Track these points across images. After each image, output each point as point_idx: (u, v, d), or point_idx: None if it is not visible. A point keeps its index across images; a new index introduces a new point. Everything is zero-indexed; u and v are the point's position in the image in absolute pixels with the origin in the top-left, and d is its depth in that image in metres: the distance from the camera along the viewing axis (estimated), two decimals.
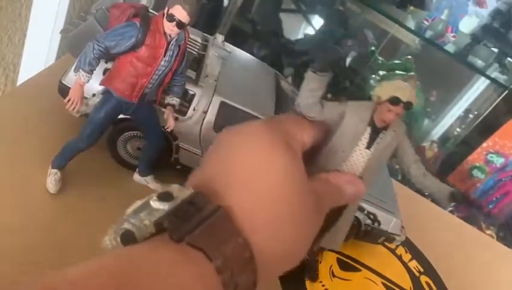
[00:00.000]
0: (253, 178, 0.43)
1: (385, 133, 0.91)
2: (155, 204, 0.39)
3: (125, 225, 0.39)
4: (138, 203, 0.41)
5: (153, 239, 0.38)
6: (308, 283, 1.30)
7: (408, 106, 0.84)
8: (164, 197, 0.40)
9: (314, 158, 0.79)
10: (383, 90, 0.86)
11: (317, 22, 2.63)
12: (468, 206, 2.30)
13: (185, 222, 0.37)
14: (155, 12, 1.16)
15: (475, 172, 2.35)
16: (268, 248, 0.41)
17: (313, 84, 0.89)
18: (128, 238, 0.38)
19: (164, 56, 1.01)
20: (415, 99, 0.88)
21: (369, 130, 0.88)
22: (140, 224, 0.38)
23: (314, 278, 1.31)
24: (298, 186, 0.46)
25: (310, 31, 2.62)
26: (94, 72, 0.99)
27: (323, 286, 1.32)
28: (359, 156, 0.91)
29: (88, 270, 0.34)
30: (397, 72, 2.35)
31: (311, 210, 0.47)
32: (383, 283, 1.38)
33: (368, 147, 0.92)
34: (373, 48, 2.49)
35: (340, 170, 0.95)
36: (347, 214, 1.02)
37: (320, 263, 1.34)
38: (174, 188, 0.41)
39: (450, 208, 1.01)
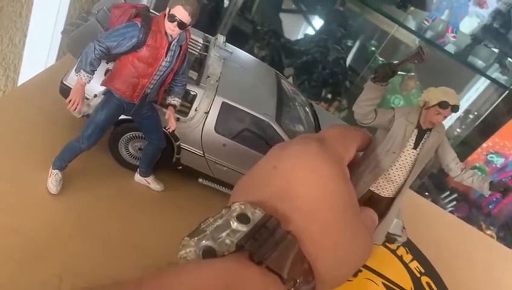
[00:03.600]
0: (316, 207, 0.48)
1: (429, 134, 1.00)
2: (235, 225, 0.45)
3: (208, 242, 0.44)
4: (218, 221, 0.46)
5: (235, 256, 0.42)
6: None
7: (455, 108, 0.94)
8: (242, 219, 0.45)
9: (355, 163, 0.87)
10: (431, 95, 0.97)
11: (317, 22, 2.63)
12: (469, 206, 2.31)
13: (262, 246, 0.42)
14: (156, 13, 1.16)
15: None
16: (326, 273, 0.46)
17: (372, 94, 0.98)
18: (209, 254, 0.43)
19: (165, 56, 1.01)
20: (459, 102, 0.96)
21: (416, 131, 0.99)
22: (221, 243, 0.44)
23: (356, 273, 1.35)
24: (354, 216, 0.51)
25: (310, 31, 2.62)
26: (95, 72, 0.99)
27: None
28: (407, 157, 1.01)
29: (191, 280, 0.39)
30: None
31: (366, 235, 0.53)
32: (383, 284, 1.38)
33: (415, 147, 1.01)
34: (373, 48, 2.49)
35: (390, 171, 1.02)
36: (391, 214, 1.08)
37: None
38: (248, 208, 0.46)
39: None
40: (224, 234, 0.44)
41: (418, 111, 1.00)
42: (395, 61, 0.96)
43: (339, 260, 0.48)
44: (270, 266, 0.41)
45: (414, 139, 1.01)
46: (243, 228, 0.44)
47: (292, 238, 0.44)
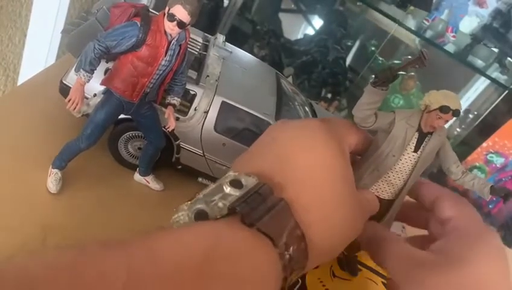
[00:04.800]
0: (312, 177, 0.48)
1: (430, 137, 0.98)
2: (228, 190, 0.44)
3: (200, 205, 0.43)
4: (212, 186, 0.45)
5: (227, 219, 0.42)
6: (308, 282, 1.30)
7: (456, 113, 0.92)
8: (235, 184, 0.44)
9: (354, 163, 0.87)
10: (432, 99, 0.95)
11: (317, 22, 2.63)
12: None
13: (254, 210, 0.42)
14: (156, 12, 1.16)
15: (475, 172, 2.35)
16: (318, 243, 0.45)
17: (372, 98, 0.96)
18: (201, 217, 0.43)
19: (165, 56, 1.01)
20: (461, 106, 0.95)
21: (416, 135, 0.97)
22: (214, 206, 0.43)
23: (356, 272, 1.35)
24: (350, 192, 0.51)
25: (310, 31, 2.62)
26: (95, 72, 0.99)
27: (323, 286, 1.32)
28: (407, 160, 1.00)
29: (178, 240, 0.38)
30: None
31: (359, 215, 0.53)
32: (383, 283, 1.38)
33: (415, 150, 0.99)
34: (373, 48, 2.49)
35: (390, 173, 1.02)
36: (390, 216, 1.08)
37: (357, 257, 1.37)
38: (242, 175, 0.45)
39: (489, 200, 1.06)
40: (216, 198, 0.44)
41: (419, 114, 0.99)
42: (396, 65, 0.95)
43: (330, 232, 0.48)
44: (261, 229, 0.41)
45: (415, 143, 1.00)
46: (236, 193, 0.44)
47: (285, 205, 0.44)
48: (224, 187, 0.44)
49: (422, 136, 1.00)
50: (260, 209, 0.42)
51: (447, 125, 2.04)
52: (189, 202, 0.44)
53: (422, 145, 1.00)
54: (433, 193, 0.74)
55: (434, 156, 1.02)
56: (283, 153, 0.49)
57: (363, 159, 1.04)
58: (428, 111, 0.96)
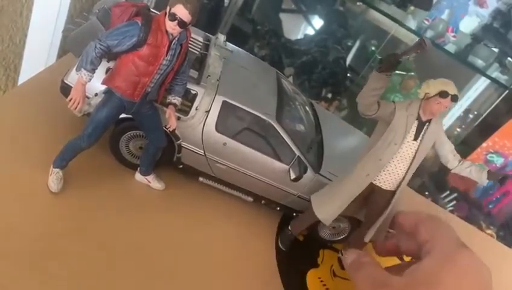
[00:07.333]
0: None
1: (429, 126, 1.04)
2: None
3: None
4: None
5: None
6: (309, 281, 1.30)
7: (455, 98, 0.99)
8: None
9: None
10: (430, 87, 1.01)
11: (317, 22, 2.63)
12: (468, 206, 2.31)
13: None
14: (156, 12, 1.16)
15: None
16: None
17: (377, 84, 1.02)
18: None
19: (166, 55, 1.01)
20: (458, 93, 1.00)
21: (416, 123, 1.03)
22: None
23: None
24: None
25: (310, 31, 2.62)
26: (96, 71, 0.99)
27: (324, 285, 1.33)
28: (408, 148, 1.05)
29: None
30: (397, 72, 2.35)
31: None
32: None
33: (415, 138, 1.04)
34: (373, 48, 2.50)
35: (391, 162, 1.06)
36: (391, 209, 1.12)
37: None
38: None
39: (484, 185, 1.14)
40: None
41: (418, 103, 1.03)
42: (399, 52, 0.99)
43: None
44: None
45: (414, 131, 1.05)
46: None
47: None
48: None
49: (422, 124, 1.04)
50: None
51: (447, 125, 2.06)
52: None
53: (422, 133, 1.04)
54: (411, 220, 0.78)
55: (432, 144, 1.05)
56: None
57: (365, 150, 1.08)
58: (427, 98, 1.01)
